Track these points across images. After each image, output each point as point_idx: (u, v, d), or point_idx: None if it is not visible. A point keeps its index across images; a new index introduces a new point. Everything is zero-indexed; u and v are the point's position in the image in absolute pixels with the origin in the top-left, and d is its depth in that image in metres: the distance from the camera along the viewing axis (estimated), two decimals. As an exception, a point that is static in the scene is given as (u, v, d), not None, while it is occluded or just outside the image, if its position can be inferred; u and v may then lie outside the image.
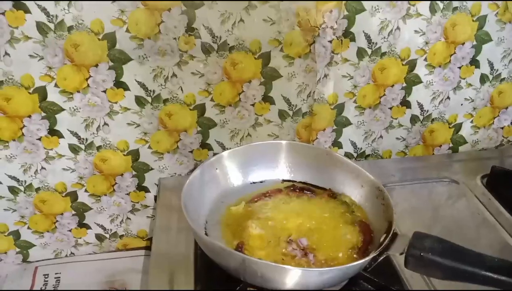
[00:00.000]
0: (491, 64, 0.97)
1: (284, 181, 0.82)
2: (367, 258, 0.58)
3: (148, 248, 1.02)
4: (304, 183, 0.81)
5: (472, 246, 0.53)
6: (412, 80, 0.95)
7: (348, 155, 1.03)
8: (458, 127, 1.05)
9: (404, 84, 0.95)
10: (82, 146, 0.88)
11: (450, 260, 0.51)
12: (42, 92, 0.81)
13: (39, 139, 0.85)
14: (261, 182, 0.82)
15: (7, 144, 0.84)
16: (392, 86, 0.95)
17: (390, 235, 0.60)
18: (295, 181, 0.82)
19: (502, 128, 1.08)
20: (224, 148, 0.96)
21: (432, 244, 0.53)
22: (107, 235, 1.01)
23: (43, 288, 0.94)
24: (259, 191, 0.79)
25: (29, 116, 0.83)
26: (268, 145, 0.82)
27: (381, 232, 0.64)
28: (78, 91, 0.82)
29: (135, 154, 0.92)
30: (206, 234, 0.71)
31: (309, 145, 0.92)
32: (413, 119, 1.01)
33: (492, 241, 0.83)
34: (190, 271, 0.74)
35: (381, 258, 0.59)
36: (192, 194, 0.70)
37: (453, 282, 0.53)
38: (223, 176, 0.78)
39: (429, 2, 0.86)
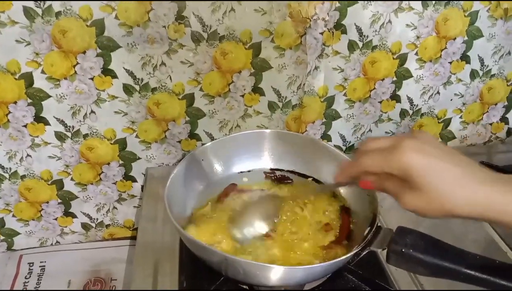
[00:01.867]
0: (481, 60, 0.97)
1: (272, 169, 0.82)
2: (350, 254, 0.58)
3: (134, 238, 1.02)
4: (291, 171, 0.82)
5: (458, 242, 0.54)
6: (402, 74, 0.95)
7: (336, 148, 1.02)
8: (447, 122, 1.06)
9: (395, 78, 0.95)
10: (69, 134, 0.87)
11: (431, 257, 0.51)
12: (28, 79, 0.80)
13: (25, 126, 0.84)
14: (248, 171, 0.81)
15: (-8, 130, 0.83)
16: (383, 80, 0.95)
17: (374, 229, 0.60)
18: (283, 169, 0.82)
19: (490, 124, 1.09)
20: (212, 139, 0.95)
21: (415, 240, 0.53)
22: (93, 224, 1.01)
23: (27, 277, 0.93)
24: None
25: (15, 102, 0.81)
26: (252, 134, 0.82)
27: (366, 225, 0.64)
28: (65, 78, 0.81)
29: (122, 143, 0.91)
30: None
31: (293, 133, 0.91)
32: (403, 113, 1.01)
33: (478, 237, 0.83)
34: (175, 261, 0.74)
35: (364, 252, 0.59)
36: (177, 187, 0.70)
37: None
38: (209, 167, 0.78)
39: (421, -4, 0.86)
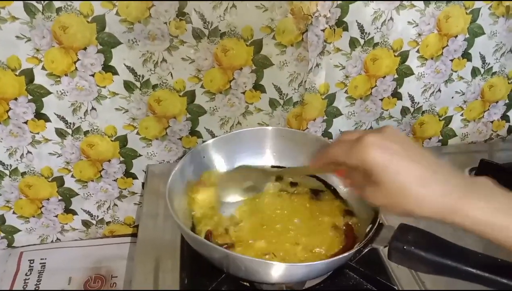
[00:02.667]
0: (483, 58, 0.97)
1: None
2: (352, 251, 0.58)
3: (135, 235, 1.02)
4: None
5: (458, 239, 0.53)
6: (403, 72, 0.95)
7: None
8: (448, 120, 1.05)
9: (396, 76, 0.95)
10: (69, 131, 0.87)
11: (433, 254, 0.51)
12: (29, 75, 0.80)
13: (25, 122, 0.84)
14: (249, 168, 0.81)
15: (-8, 127, 0.83)
16: (384, 77, 0.94)
17: (375, 226, 0.60)
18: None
19: (491, 122, 1.09)
20: (213, 136, 0.95)
21: (416, 237, 0.53)
22: (94, 221, 1.01)
23: (28, 274, 0.93)
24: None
25: (15, 99, 0.81)
26: (254, 132, 0.81)
27: (367, 222, 0.64)
28: (66, 75, 0.81)
29: (123, 140, 0.91)
30: (193, 223, 0.71)
31: (295, 130, 0.91)
32: (404, 111, 1.01)
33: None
34: (176, 258, 0.74)
35: (366, 250, 0.59)
36: (178, 184, 0.69)
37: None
38: (211, 164, 0.77)
39: (423, -7, 0.86)
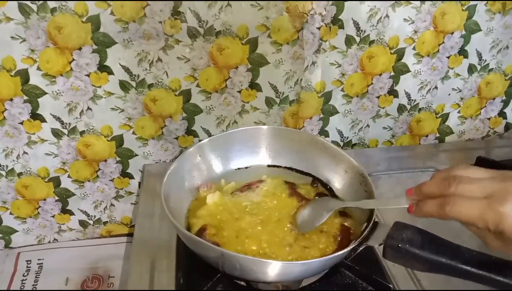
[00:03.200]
0: (479, 55, 0.96)
1: (269, 166, 0.82)
2: (347, 249, 0.58)
3: (132, 234, 1.01)
4: (289, 168, 0.81)
5: (455, 237, 0.53)
6: (400, 69, 0.94)
7: (334, 144, 1.02)
8: (445, 117, 1.05)
9: (392, 73, 0.95)
10: (65, 131, 0.87)
11: (428, 252, 0.51)
12: (24, 75, 0.80)
13: (21, 123, 0.84)
14: (246, 167, 0.81)
15: (-13, 128, 0.83)
16: (380, 75, 0.94)
17: (370, 224, 0.60)
18: (280, 166, 0.82)
19: (488, 119, 1.09)
20: (210, 135, 0.95)
21: (411, 235, 0.53)
22: (91, 222, 1.01)
23: (25, 274, 0.93)
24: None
25: (11, 99, 0.81)
26: (249, 131, 0.81)
27: (363, 221, 0.64)
28: (61, 75, 0.81)
29: (119, 140, 0.91)
30: (188, 223, 0.71)
31: (291, 129, 0.91)
32: (400, 108, 1.01)
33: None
34: (172, 257, 0.74)
35: (361, 248, 0.59)
36: (173, 184, 0.69)
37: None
38: (206, 164, 0.77)
39: (419, -11, 0.86)
